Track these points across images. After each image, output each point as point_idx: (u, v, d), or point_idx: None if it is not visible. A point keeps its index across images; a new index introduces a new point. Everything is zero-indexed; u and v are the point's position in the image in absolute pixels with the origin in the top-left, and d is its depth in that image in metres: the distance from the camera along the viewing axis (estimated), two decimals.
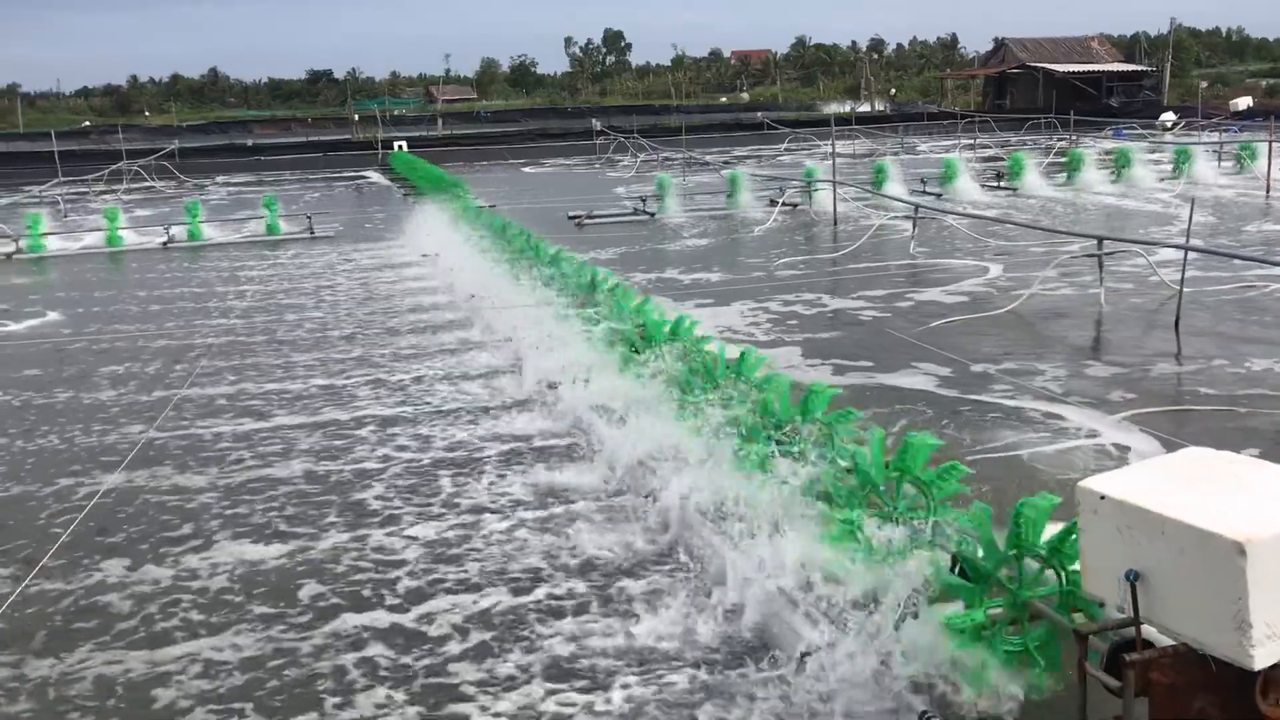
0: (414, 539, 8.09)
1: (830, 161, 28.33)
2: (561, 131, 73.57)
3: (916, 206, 22.51)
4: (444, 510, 8.65)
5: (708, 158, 44.98)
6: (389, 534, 8.21)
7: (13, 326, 17.76)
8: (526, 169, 52.65)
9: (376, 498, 9.01)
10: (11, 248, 27.11)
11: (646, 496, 8.33)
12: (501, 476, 9.31)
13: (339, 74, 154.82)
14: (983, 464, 8.80)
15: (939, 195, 29.42)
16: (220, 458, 10.25)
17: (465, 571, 7.49)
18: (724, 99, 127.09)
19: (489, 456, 9.89)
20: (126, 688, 6.18)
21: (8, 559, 8.08)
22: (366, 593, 7.23)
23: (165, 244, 27.55)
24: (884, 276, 18.56)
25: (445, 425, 10.92)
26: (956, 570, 5.49)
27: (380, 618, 6.85)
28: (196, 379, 13.40)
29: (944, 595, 5.46)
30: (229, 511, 8.87)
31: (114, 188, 45.75)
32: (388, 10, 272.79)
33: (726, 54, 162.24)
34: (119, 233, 27.93)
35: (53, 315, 18.57)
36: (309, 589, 7.31)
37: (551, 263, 15.68)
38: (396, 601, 7.08)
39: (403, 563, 7.69)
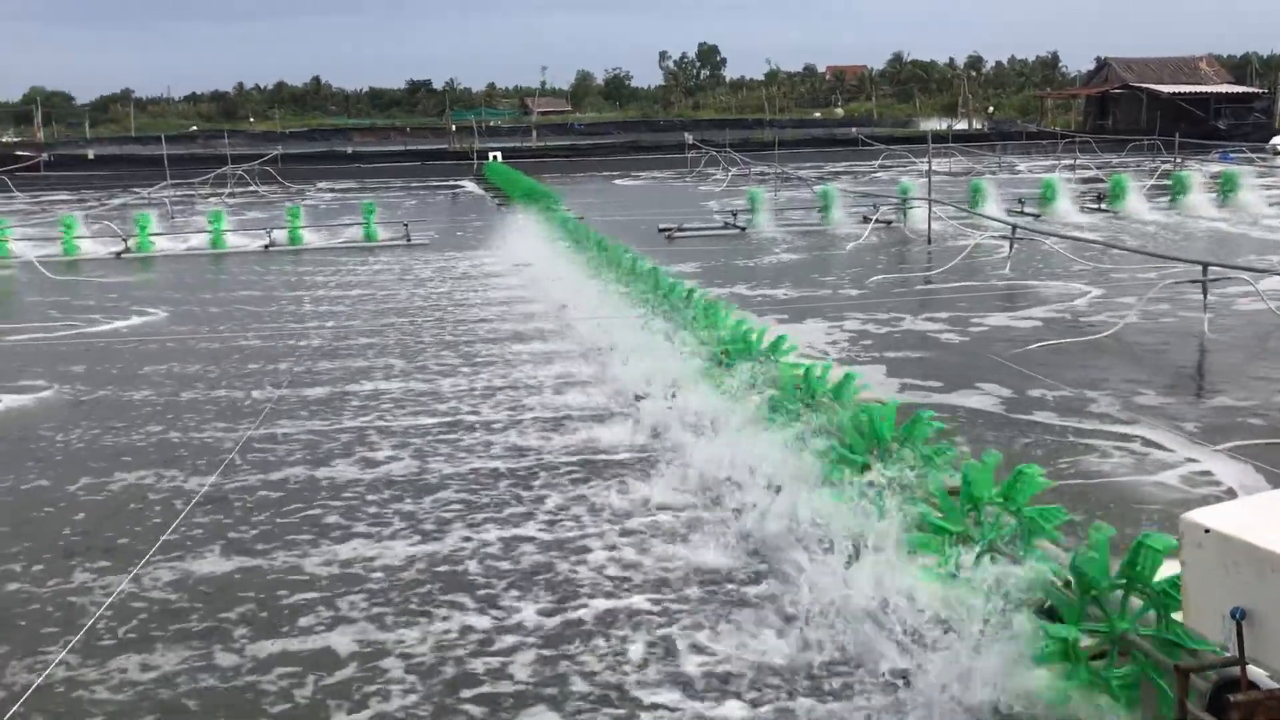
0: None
1: (926, 179, 27.98)
2: (654, 144, 73.81)
3: (1014, 227, 22.13)
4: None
5: (800, 173, 44.76)
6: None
7: (105, 325, 18.32)
8: (618, 181, 52.90)
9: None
10: (120, 247, 28.06)
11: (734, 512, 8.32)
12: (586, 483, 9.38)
13: (438, 84, 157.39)
14: (1074, 491, 8.60)
15: (1037, 216, 28.89)
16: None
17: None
18: (818, 114, 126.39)
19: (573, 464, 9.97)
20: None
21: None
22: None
23: (266, 247, 28.26)
24: (976, 297, 18.27)
25: (536, 432, 11.02)
26: (1045, 607, 5.40)
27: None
28: (294, 380, 13.73)
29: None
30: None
31: (219, 191, 47.07)
32: (487, 23, 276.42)
33: (821, 69, 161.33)
34: (223, 235, 28.75)
35: (157, 314, 19.13)
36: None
37: (642, 275, 15.73)
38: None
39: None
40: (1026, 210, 29.54)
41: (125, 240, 28.24)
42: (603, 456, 10.16)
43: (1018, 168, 52.49)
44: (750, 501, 8.20)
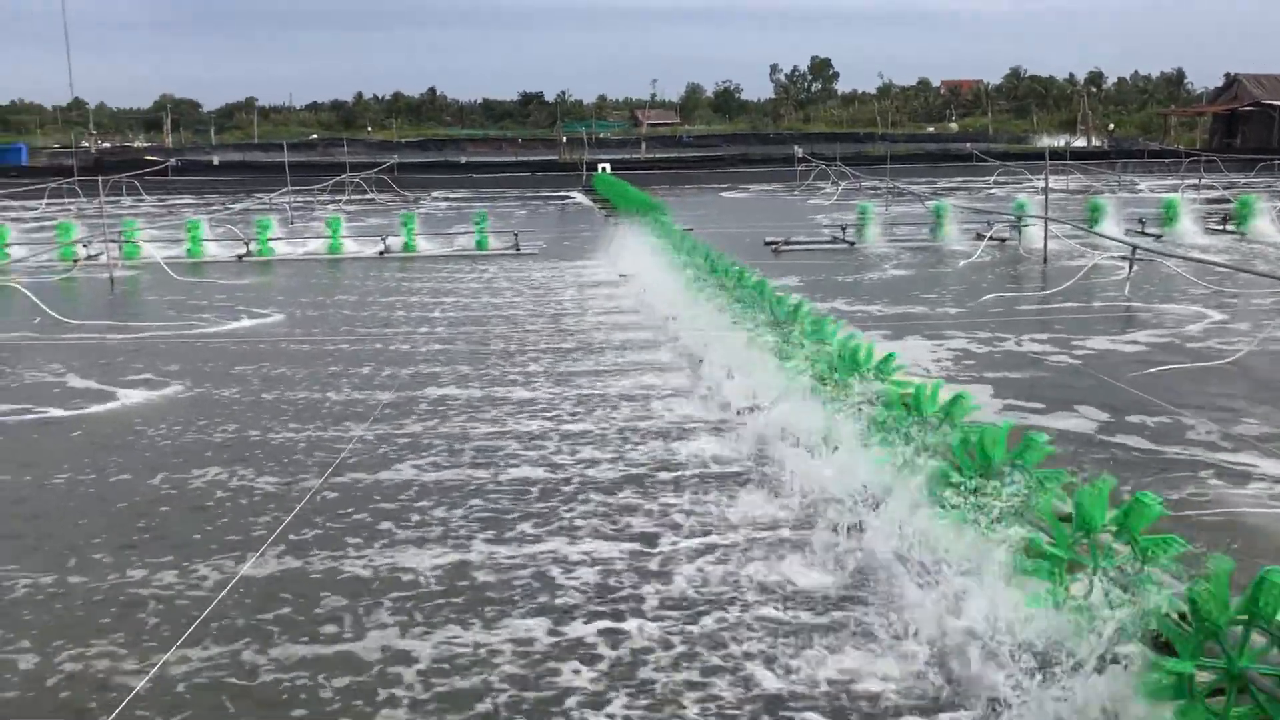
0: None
1: (1042, 196, 27.35)
2: (762, 157, 73.60)
3: (1134, 247, 21.46)
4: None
5: (913, 188, 44.15)
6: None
7: (221, 326, 18.90)
8: (726, 194, 52.83)
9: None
10: (242, 250, 28.98)
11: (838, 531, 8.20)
12: (693, 496, 9.35)
13: (549, 96, 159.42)
14: (1192, 524, 8.28)
15: (1158, 237, 28.00)
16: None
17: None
18: (931, 129, 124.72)
19: (684, 477, 9.95)
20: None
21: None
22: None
23: (381, 253, 28.88)
24: (1090, 319, 17.77)
25: (629, 444, 11.03)
26: (1153, 640, 5.20)
27: None
28: (409, 383, 13.98)
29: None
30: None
31: (337, 198, 48.26)
32: (599, 35, 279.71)
33: (936, 83, 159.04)
34: (340, 241, 29.49)
35: (271, 316, 19.69)
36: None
37: (746, 287, 15.63)
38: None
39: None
40: (1147, 230, 28.68)
41: (247, 244, 29.15)
42: (708, 469, 10.14)
43: (1138, 187, 50.96)
44: (853, 521, 8.09)
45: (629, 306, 19.62)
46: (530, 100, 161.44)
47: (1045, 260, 24.59)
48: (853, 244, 28.49)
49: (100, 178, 36.15)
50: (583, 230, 35.52)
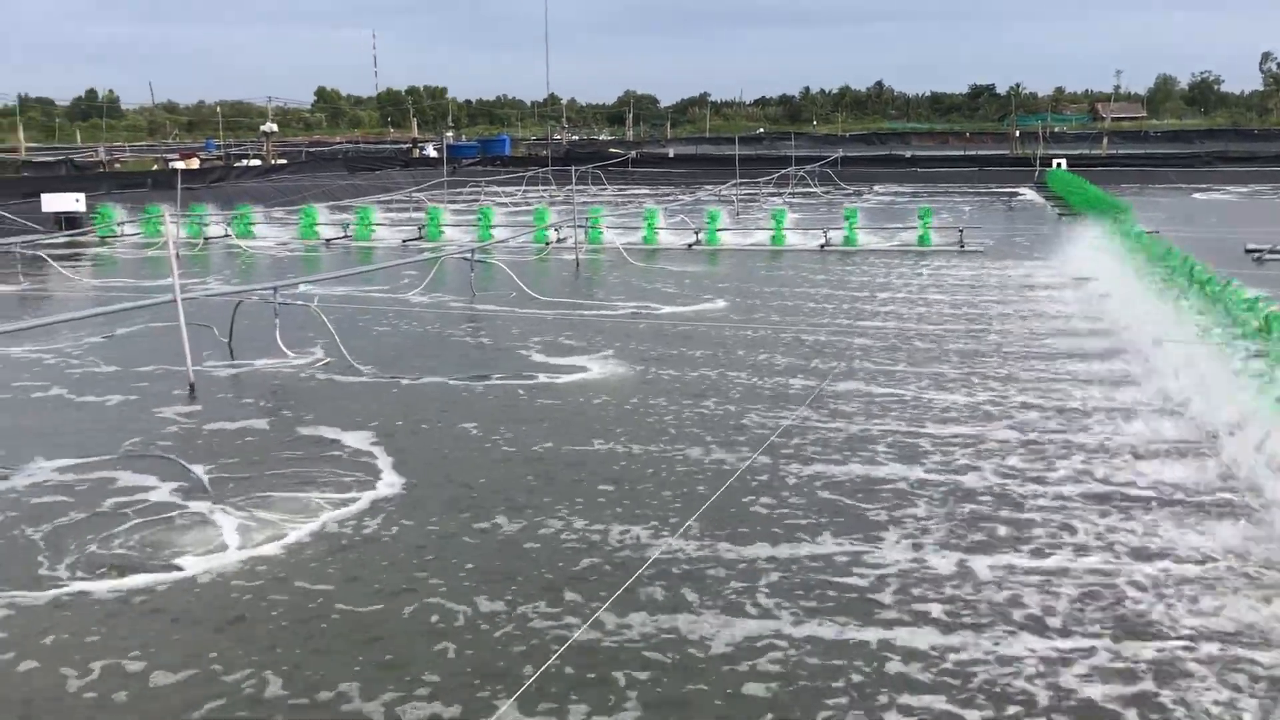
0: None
1: None
2: (1245, 155, 66.53)
3: None
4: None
5: None
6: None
7: (670, 310, 19.79)
8: (1198, 195, 48.28)
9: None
10: (692, 239, 30.36)
11: None
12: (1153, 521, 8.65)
13: (1001, 89, 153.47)
14: None
15: None
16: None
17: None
18: None
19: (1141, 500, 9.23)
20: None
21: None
22: None
23: (822, 247, 29.14)
24: None
25: (1085, 459, 10.36)
26: None
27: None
28: (838, 376, 14.03)
29: None
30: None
31: (781, 191, 49.27)
32: (1058, 24, 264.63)
33: None
34: (783, 233, 30.10)
35: (716, 303, 20.42)
36: None
37: (1222, 296, 14.15)
38: None
39: None
40: None
41: (696, 233, 30.49)
42: (1176, 495, 9.33)
43: None
44: None
45: (1085, 313, 18.43)
46: (980, 93, 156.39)
47: None
48: None
49: (571, 168, 39.28)
50: (1034, 229, 33.83)
